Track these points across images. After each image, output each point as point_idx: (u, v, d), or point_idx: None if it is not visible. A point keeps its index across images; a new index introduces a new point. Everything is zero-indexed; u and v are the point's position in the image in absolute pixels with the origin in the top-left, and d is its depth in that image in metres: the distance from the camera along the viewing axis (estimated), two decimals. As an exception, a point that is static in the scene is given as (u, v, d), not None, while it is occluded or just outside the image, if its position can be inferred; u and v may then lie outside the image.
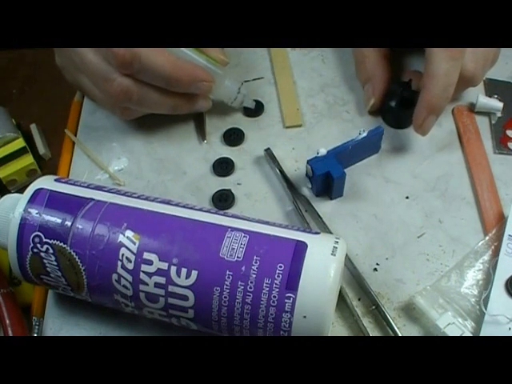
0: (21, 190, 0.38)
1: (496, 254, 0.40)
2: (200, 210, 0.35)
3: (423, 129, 0.45)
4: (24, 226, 0.35)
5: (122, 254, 0.33)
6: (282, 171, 0.46)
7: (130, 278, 0.33)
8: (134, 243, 0.33)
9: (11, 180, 0.47)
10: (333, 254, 0.32)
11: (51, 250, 0.34)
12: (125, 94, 0.43)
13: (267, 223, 0.35)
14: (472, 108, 0.49)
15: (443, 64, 0.42)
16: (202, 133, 0.49)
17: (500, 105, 0.49)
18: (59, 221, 0.34)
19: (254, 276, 0.32)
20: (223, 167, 0.47)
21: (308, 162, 0.43)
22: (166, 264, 0.33)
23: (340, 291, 0.38)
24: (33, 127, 0.51)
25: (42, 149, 0.49)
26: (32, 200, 0.35)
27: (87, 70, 0.43)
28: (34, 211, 0.35)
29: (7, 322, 0.38)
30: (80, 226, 0.34)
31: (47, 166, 0.49)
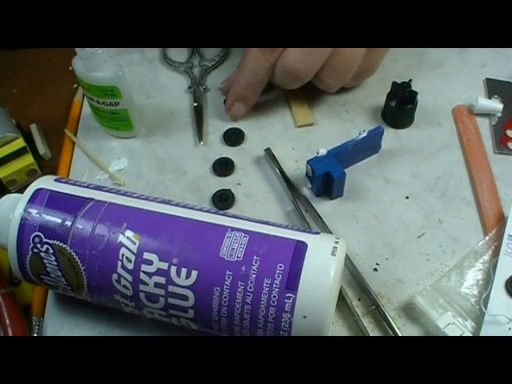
0: (21, 190, 0.38)
1: (496, 254, 0.40)
2: (200, 209, 0.35)
3: (231, 113, 0.50)
4: (24, 225, 0.35)
5: (122, 254, 0.33)
6: (282, 171, 0.46)
7: (130, 277, 0.33)
8: (134, 243, 0.33)
9: (11, 180, 0.47)
10: (333, 253, 0.32)
11: (51, 250, 0.34)
12: None
13: (267, 223, 0.35)
14: (472, 109, 0.49)
15: (253, 63, 0.46)
16: (199, 133, 0.49)
17: (500, 106, 0.49)
18: (59, 221, 0.34)
19: (254, 276, 0.32)
20: (223, 167, 0.47)
21: (308, 162, 0.43)
22: (166, 264, 0.33)
23: (340, 291, 0.38)
24: (33, 127, 0.51)
25: (42, 149, 0.49)
26: (32, 200, 0.35)
27: None
28: (34, 211, 0.35)
29: (7, 322, 0.38)
30: (80, 226, 0.34)
31: (47, 166, 0.49)
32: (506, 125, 0.49)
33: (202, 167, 0.48)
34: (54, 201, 0.35)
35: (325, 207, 0.44)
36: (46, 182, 0.37)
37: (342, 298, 0.39)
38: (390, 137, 0.48)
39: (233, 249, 0.32)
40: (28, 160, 0.47)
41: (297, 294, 0.31)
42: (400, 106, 0.47)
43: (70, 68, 0.46)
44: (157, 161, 0.48)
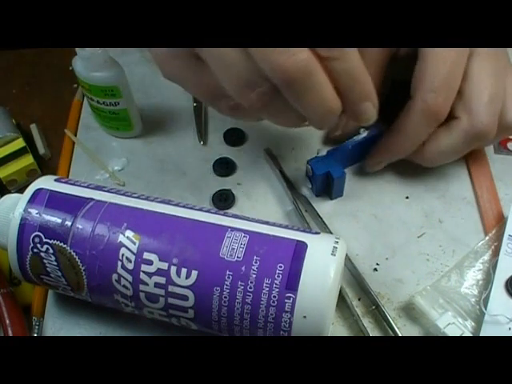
0: (21, 190, 0.38)
1: (496, 254, 0.40)
2: (200, 209, 0.35)
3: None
4: (24, 226, 0.35)
5: (122, 254, 0.33)
6: (282, 171, 0.46)
7: (130, 277, 0.33)
8: (134, 243, 0.33)
9: (11, 180, 0.47)
10: (333, 253, 0.32)
11: (51, 250, 0.34)
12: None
13: (267, 223, 0.35)
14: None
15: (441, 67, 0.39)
16: (200, 133, 0.49)
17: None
18: (59, 221, 0.34)
19: (254, 276, 0.32)
20: (223, 167, 0.47)
21: (308, 162, 0.43)
22: (166, 264, 0.33)
23: (340, 291, 0.38)
24: (33, 127, 0.51)
25: (41, 149, 0.49)
26: (32, 200, 0.35)
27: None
28: (34, 211, 0.35)
29: (7, 322, 0.38)
30: (80, 226, 0.34)
31: (47, 166, 0.49)
32: (506, 125, 0.49)
33: (202, 167, 0.48)
34: (54, 201, 0.35)
35: (325, 207, 0.44)
36: (46, 182, 0.37)
37: (342, 297, 0.39)
38: (390, 137, 0.48)
39: (233, 249, 0.32)
40: (28, 160, 0.47)
41: (297, 294, 0.31)
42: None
43: (70, 68, 0.46)
44: (157, 161, 0.48)
